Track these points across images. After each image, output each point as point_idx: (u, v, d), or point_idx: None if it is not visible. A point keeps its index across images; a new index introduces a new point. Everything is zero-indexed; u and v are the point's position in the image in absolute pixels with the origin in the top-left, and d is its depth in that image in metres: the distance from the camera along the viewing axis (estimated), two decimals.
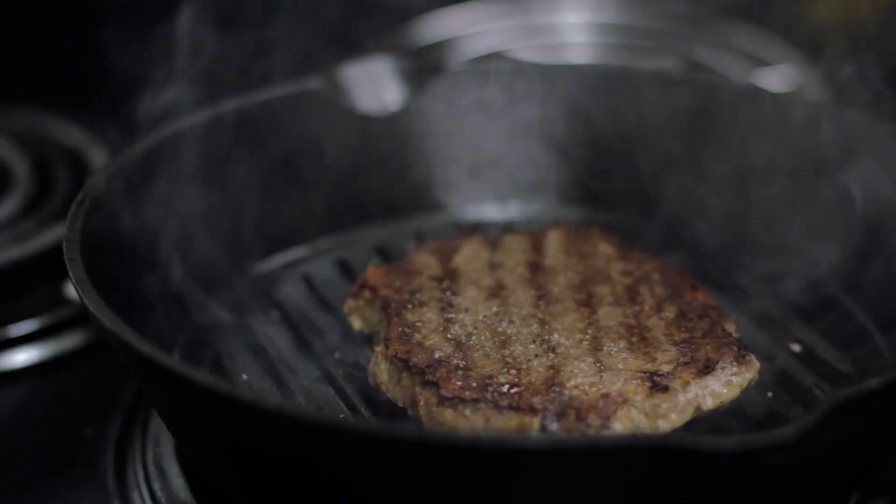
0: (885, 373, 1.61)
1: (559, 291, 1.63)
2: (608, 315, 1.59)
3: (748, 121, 1.87)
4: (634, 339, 1.54)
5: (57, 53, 2.34)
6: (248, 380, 1.65)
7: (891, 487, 1.52)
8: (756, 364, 1.52)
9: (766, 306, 1.75)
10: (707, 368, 1.49)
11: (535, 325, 1.57)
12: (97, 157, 2.16)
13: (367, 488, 1.35)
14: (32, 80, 2.36)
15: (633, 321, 1.57)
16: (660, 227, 1.92)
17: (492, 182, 1.99)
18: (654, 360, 1.50)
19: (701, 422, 1.49)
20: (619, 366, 1.49)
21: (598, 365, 1.49)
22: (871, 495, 1.51)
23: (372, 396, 1.59)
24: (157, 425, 1.65)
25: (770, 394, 1.61)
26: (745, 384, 1.50)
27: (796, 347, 1.69)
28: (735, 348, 1.52)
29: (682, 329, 1.56)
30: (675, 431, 1.45)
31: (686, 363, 1.49)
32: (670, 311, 1.59)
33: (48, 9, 2.34)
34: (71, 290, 1.88)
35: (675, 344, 1.53)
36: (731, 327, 1.60)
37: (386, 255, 1.89)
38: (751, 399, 1.58)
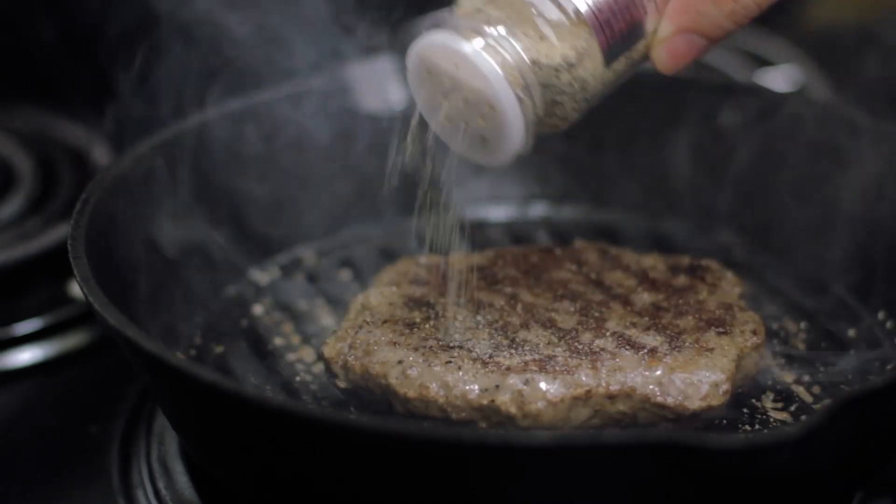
0: (888, 371, 1.61)
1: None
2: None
3: (750, 119, 1.88)
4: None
5: (60, 53, 2.34)
6: (253, 378, 1.65)
7: (894, 486, 1.53)
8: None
9: (766, 306, 1.76)
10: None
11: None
12: (101, 156, 2.16)
13: (373, 486, 1.35)
14: (36, 80, 2.36)
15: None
16: (660, 226, 1.92)
17: (492, 182, 1.99)
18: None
19: (701, 421, 1.50)
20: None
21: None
22: (875, 493, 1.52)
23: (377, 397, 1.59)
24: (161, 424, 1.65)
25: (771, 393, 1.61)
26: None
27: (801, 346, 1.69)
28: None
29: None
30: (679, 430, 1.46)
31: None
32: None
33: (52, 8, 2.34)
34: (75, 289, 1.88)
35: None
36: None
37: (389, 254, 1.89)
38: (752, 399, 1.58)
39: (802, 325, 1.73)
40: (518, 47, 1.41)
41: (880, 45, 2.07)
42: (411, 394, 1.49)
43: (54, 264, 1.90)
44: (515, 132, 1.43)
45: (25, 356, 1.84)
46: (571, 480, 1.30)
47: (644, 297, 1.63)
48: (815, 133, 1.81)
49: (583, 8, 1.42)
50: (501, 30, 1.41)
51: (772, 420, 1.56)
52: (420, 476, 1.32)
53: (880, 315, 1.72)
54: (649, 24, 1.46)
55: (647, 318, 1.58)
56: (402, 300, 1.62)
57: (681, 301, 1.61)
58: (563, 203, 1.99)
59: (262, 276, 1.85)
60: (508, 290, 1.65)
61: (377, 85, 1.92)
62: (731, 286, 1.65)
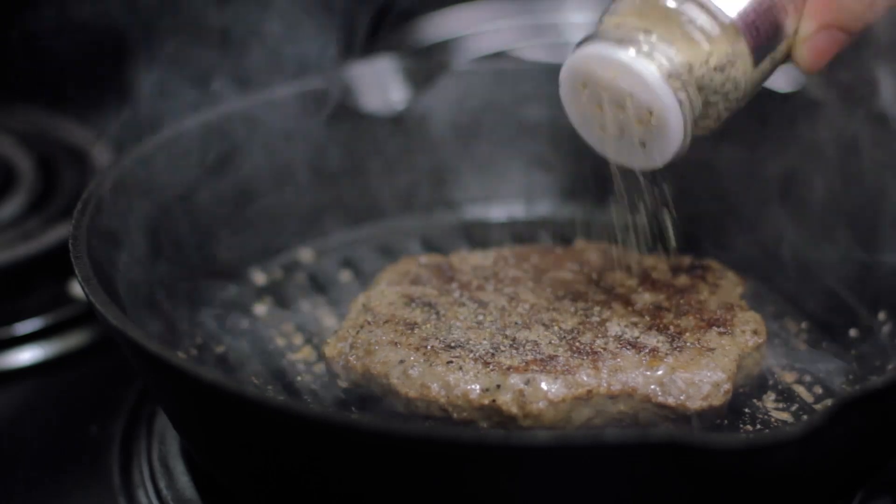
0: (888, 372, 1.61)
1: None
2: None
3: (751, 119, 1.87)
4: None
5: (61, 52, 2.34)
6: (254, 378, 1.65)
7: (894, 486, 1.53)
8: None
9: (768, 305, 1.76)
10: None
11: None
12: (102, 155, 2.16)
13: (373, 486, 1.35)
14: (36, 80, 2.36)
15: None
16: (660, 224, 1.92)
17: (495, 181, 1.99)
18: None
19: (702, 421, 1.50)
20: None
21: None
22: (876, 493, 1.52)
23: (378, 397, 1.59)
24: (162, 423, 1.65)
25: (772, 393, 1.61)
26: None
27: (801, 346, 1.69)
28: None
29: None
30: (680, 430, 1.46)
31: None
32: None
33: (52, 7, 2.34)
34: (76, 289, 1.88)
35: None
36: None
37: (389, 254, 1.89)
38: (753, 398, 1.58)
39: (803, 324, 1.73)
40: (672, 52, 1.44)
41: (880, 45, 2.06)
42: (412, 394, 1.49)
43: (55, 264, 1.90)
44: (676, 134, 1.48)
45: (26, 356, 1.84)
46: (571, 480, 1.29)
47: (645, 297, 1.63)
48: (815, 133, 1.81)
49: (731, 13, 1.46)
50: (654, 37, 1.45)
51: (773, 420, 1.56)
52: (420, 476, 1.32)
53: (881, 315, 1.72)
54: (789, 25, 1.50)
55: (648, 318, 1.58)
56: (402, 300, 1.62)
57: (682, 301, 1.61)
58: (566, 203, 1.99)
59: (262, 276, 1.85)
60: (510, 289, 1.65)
61: (378, 85, 1.92)
62: (732, 286, 1.65)
